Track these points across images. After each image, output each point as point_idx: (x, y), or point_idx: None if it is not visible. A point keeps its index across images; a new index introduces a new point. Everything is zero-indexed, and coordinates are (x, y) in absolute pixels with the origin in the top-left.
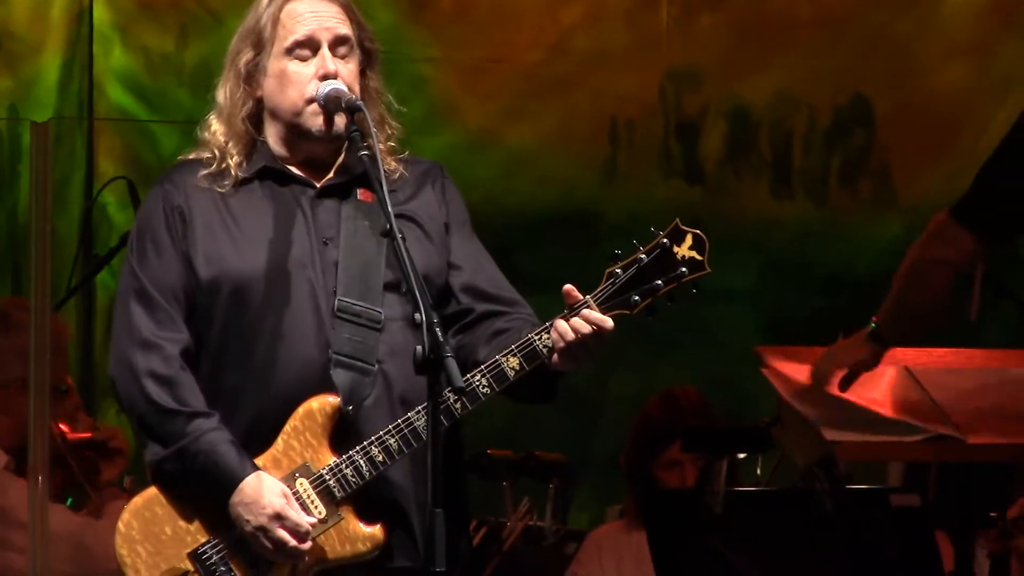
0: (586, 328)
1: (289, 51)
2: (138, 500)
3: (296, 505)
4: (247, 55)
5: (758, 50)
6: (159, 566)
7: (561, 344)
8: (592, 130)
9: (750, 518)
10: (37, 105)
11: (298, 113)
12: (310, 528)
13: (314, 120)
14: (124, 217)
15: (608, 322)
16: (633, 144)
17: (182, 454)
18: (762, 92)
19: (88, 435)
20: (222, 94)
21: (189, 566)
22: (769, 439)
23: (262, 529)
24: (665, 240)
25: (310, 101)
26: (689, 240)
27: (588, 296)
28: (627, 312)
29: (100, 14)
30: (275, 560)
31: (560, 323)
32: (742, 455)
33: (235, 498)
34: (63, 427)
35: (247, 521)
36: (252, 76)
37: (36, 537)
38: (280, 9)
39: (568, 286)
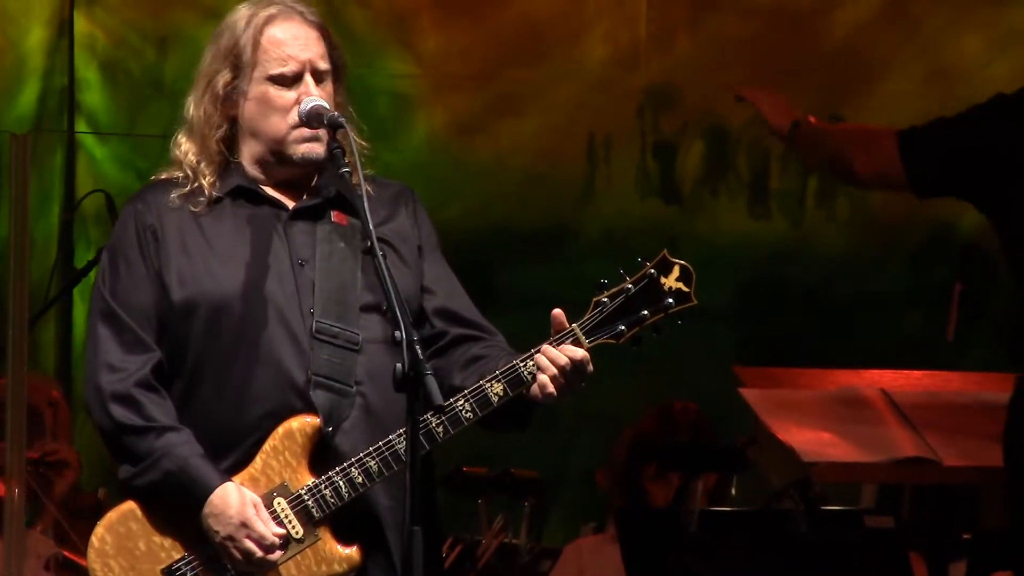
0: (562, 360)
1: (272, 78)
2: (112, 515)
3: (265, 515)
4: (224, 76)
5: (736, 70)
6: None
7: (543, 376)
8: (570, 148)
9: (725, 537)
10: (16, 117)
11: (281, 140)
12: (276, 539)
13: (297, 147)
14: (102, 230)
15: (581, 355)
16: (610, 162)
17: (151, 469)
18: (740, 112)
19: (34, 455)
20: (195, 113)
21: None
22: (745, 459)
23: (230, 539)
24: (652, 271)
25: (293, 127)
26: (676, 271)
27: (575, 324)
28: (613, 342)
29: (80, 26)
30: (245, 571)
31: (544, 354)
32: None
33: (205, 510)
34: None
35: (216, 532)
36: (229, 97)
37: (12, 550)
38: (260, 32)
39: (557, 311)
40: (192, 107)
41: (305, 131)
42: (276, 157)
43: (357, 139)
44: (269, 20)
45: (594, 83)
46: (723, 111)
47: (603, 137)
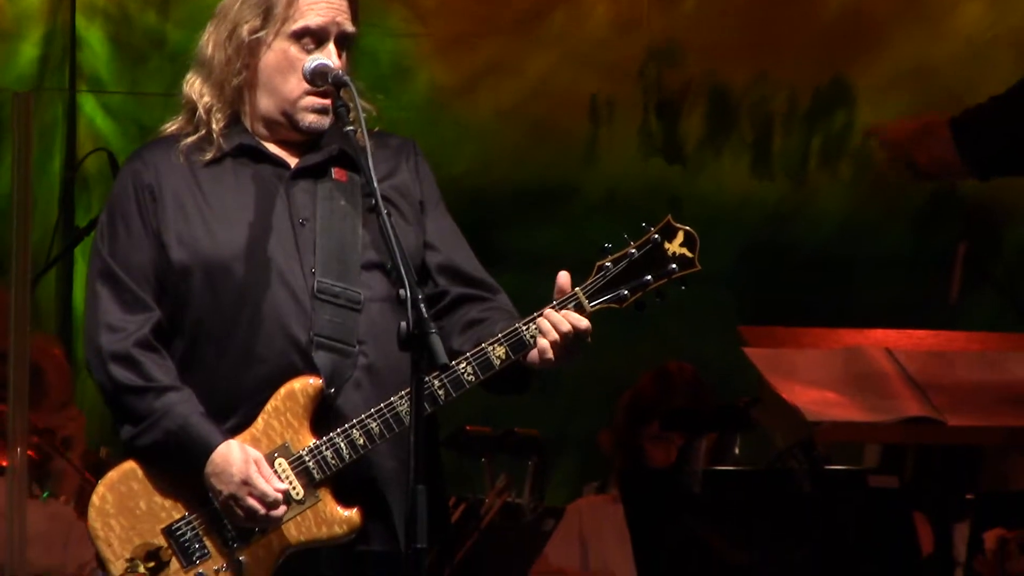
0: (565, 326)
1: (297, 35)
2: (113, 474)
3: (267, 471)
4: (252, 23)
5: (739, 30)
6: (132, 541)
7: (543, 341)
8: (572, 108)
9: (728, 497)
10: (18, 76)
11: (293, 102)
12: (279, 496)
13: (306, 116)
14: (104, 189)
15: (585, 324)
16: (613, 122)
17: (152, 429)
18: (743, 72)
19: (38, 425)
20: (215, 55)
21: (163, 542)
22: (748, 419)
23: (232, 497)
24: (656, 236)
25: (308, 93)
26: (680, 237)
27: (578, 288)
28: (616, 306)
29: None
30: (249, 527)
31: (547, 318)
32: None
33: (207, 468)
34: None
35: (219, 492)
36: (253, 47)
37: (14, 510)
38: None
39: (563, 274)
40: (211, 48)
41: (316, 101)
42: (285, 119)
43: (363, 101)
44: None
45: (597, 43)
46: (726, 71)
47: (606, 97)
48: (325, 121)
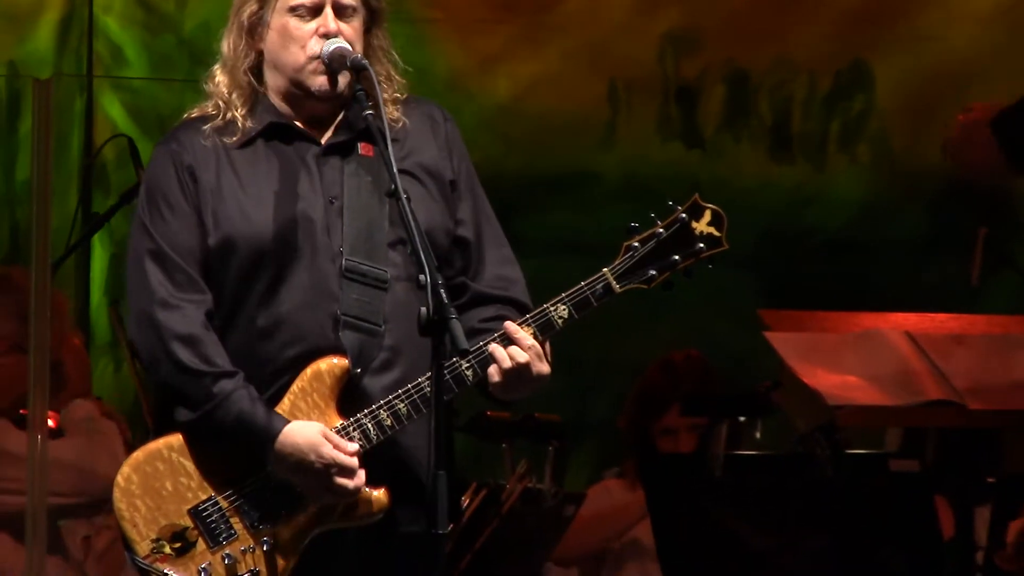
0: (521, 357)
1: (292, 8)
2: (139, 454)
3: (335, 439)
4: (251, 7)
5: (758, 14)
6: (158, 521)
7: (495, 377)
8: (592, 93)
9: (749, 482)
10: (36, 62)
11: (299, 70)
12: (355, 461)
13: (314, 79)
14: (123, 176)
15: (521, 356)
16: (632, 107)
17: (210, 417)
18: (762, 56)
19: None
20: (226, 45)
21: (189, 523)
22: (769, 403)
23: (320, 485)
24: (684, 215)
25: (312, 59)
26: (708, 216)
27: (606, 269)
28: (644, 287)
29: None
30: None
31: (496, 348)
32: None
33: (276, 458)
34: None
35: (301, 478)
36: (255, 29)
37: (34, 494)
38: None
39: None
40: (224, 40)
41: (320, 64)
42: (297, 88)
43: (397, 78)
44: None
45: (616, 28)
46: (744, 55)
47: (625, 82)
48: (340, 79)
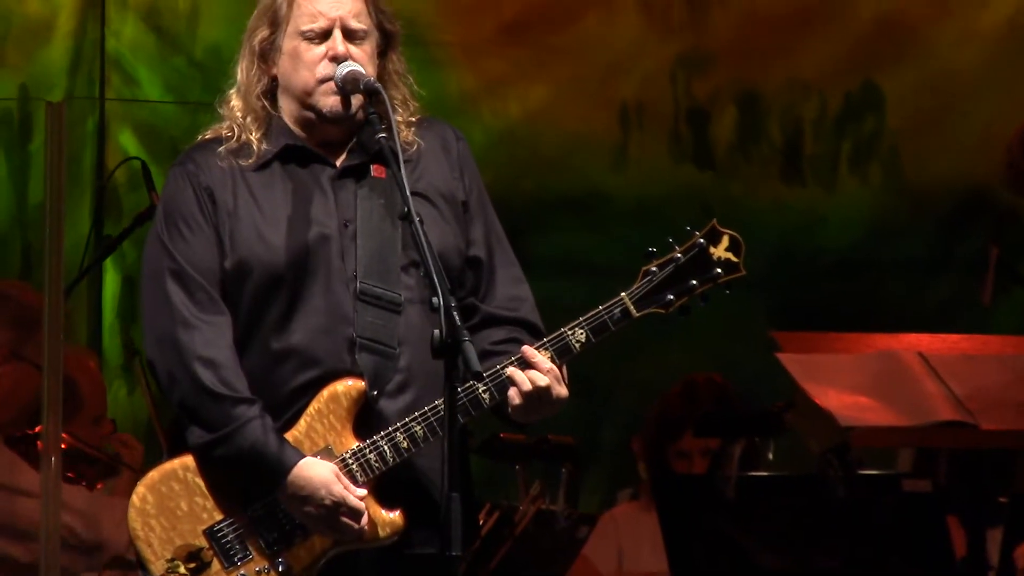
0: (541, 381)
1: (302, 32)
2: (154, 474)
3: (346, 481)
4: (262, 32)
5: (769, 35)
6: (173, 541)
7: (515, 400)
8: (603, 114)
9: (762, 502)
10: (48, 85)
11: (309, 93)
12: (362, 506)
13: (325, 99)
14: (135, 199)
15: (541, 380)
16: (643, 128)
17: (225, 442)
18: (773, 77)
19: (102, 456)
20: (239, 71)
21: (204, 543)
22: (782, 424)
23: (325, 519)
24: (702, 240)
25: (321, 81)
26: (725, 241)
27: (624, 293)
28: (661, 311)
29: None
30: (338, 539)
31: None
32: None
33: (289, 490)
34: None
35: (307, 513)
36: (267, 54)
37: (47, 519)
38: None
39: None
40: (238, 65)
41: (331, 85)
42: (309, 111)
43: (413, 102)
44: None
45: (627, 49)
46: (756, 77)
47: (636, 103)
48: (342, 104)
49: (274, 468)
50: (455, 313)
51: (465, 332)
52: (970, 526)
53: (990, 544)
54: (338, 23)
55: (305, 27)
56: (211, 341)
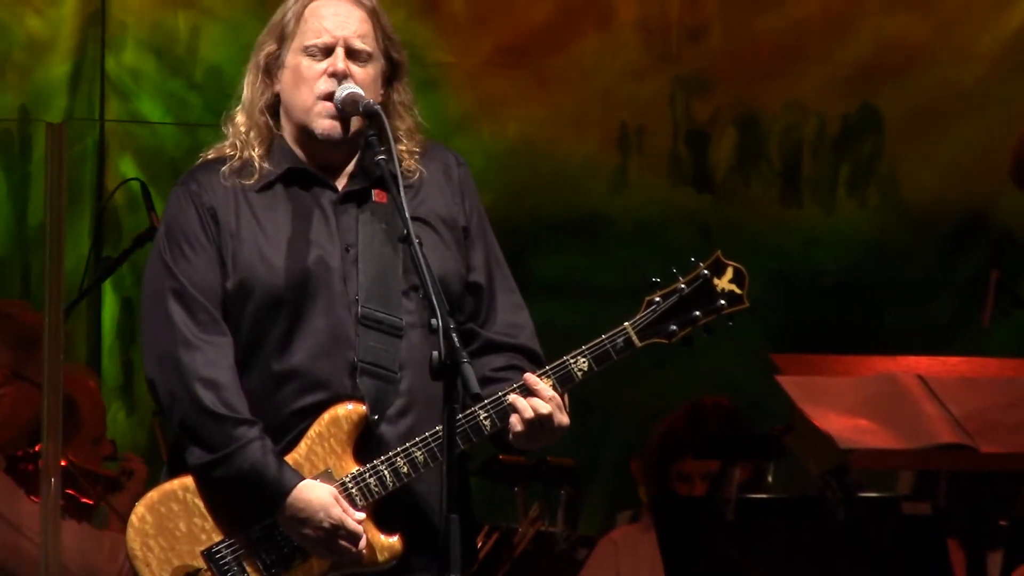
0: (543, 409)
1: (305, 48)
2: (153, 494)
3: (345, 504)
4: (269, 47)
5: (767, 58)
6: (171, 562)
7: (517, 427)
8: (602, 136)
9: (762, 525)
10: (48, 106)
11: (307, 111)
12: (361, 529)
13: (320, 121)
14: (134, 220)
15: (543, 408)
16: (643, 150)
17: (225, 463)
18: (772, 100)
19: (107, 472)
20: (245, 86)
21: (202, 564)
22: (782, 446)
23: (324, 541)
24: (706, 272)
25: (319, 98)
26: (729, 273)
27: (627, 323)
28: (664, 341)
29: (112, 15)
30: (336, 562)
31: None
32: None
33: (287, 512)
34: (72, 457)
35: (305, 535)
36: (271, 69)
37: (48, 540)
38: (305, 6)
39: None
40: (244, 83)
41: (328, 106)
42: (305, 131)
43: (417, 133)
44: None
45: (626, 71)
46: (755, 99)
47: (635, 125)
48: (339, 128)
49: (273, 489)
50: (454, 335)
51: (464, 354)
52: (970, 549)
53: (990, 567)
54: (342, 42)
55: (309, 42)
56: (213, 362)
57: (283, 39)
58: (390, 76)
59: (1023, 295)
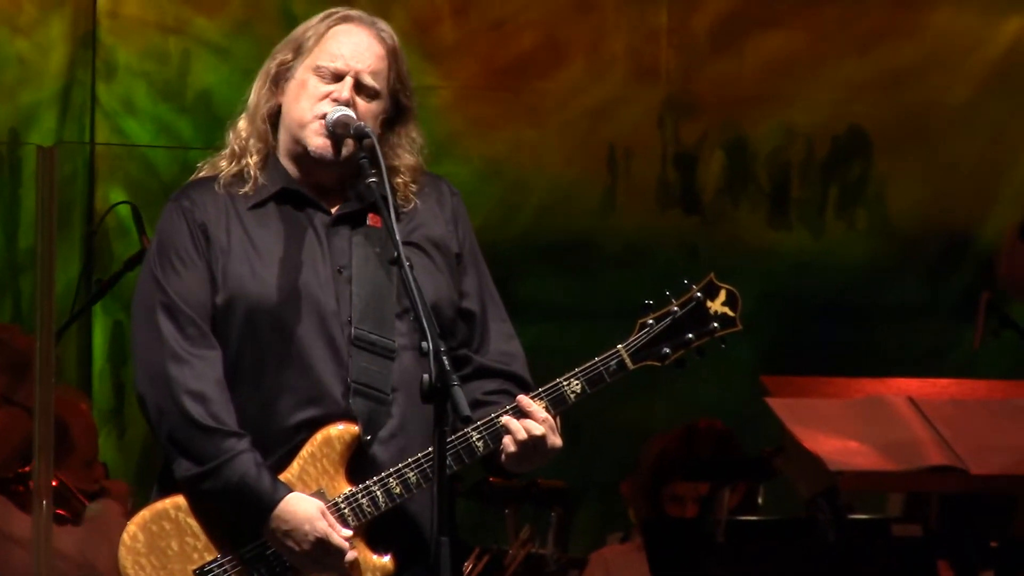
0: (537, 430)
1: (317, 68)
2: (145, 513)
3: (332, 520)
4: (283, 57)
5: (756, 81)
6: None
7: (510, 448)
8: (591, 159)
9: (752, 547)
10: (38, 130)
11: (303, 126)
12: (348, 544)
13: (314, 138)
14: (125, 243)
15: (537, 429)
16: (631, 173)
17: (214, 475)
18: (760, 123)
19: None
20: (252, 92)
21: None
22: (772, 468)
23: (309, 555)
24: (699, 294)
25: (316, 118)
26: (723, 296)
27: (620, 345)
28: (657, 364)
29: (103, 39)
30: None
31: (511, 421)
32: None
33: (273, 524)
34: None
35: (290, 548)
36: (280, 78)
37: (40, 562)
38: (329, 28)
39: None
40: (252, 91)
41: (324, 126)
42: (298, 146)
43: (418, 172)
44: (343, 19)
45: (615, 95)
46: (743, 122)
47: (624, 148)
48: (331, 148)
49: (262, 501)
50: (445, 357)
51: (455, 376)
52: (960, 571)
53: None
54: (353, 72)
55: (322, 63)
56: (201, 375)
57: (299, 52)
58: (393, 117)
59: (1012, 316)
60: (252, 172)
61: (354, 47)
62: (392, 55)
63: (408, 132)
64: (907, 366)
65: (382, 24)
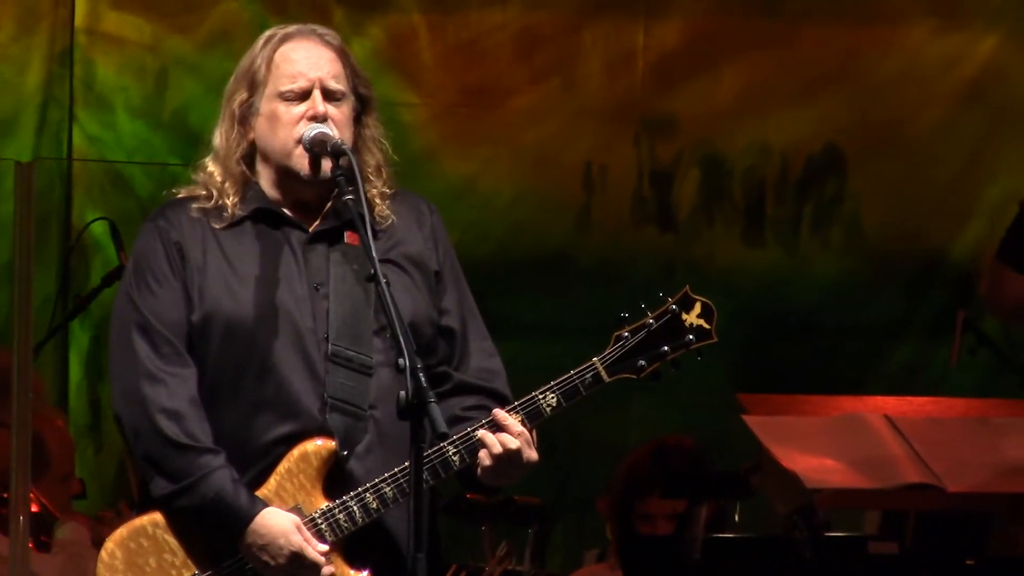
0: (512, 444)
1: (281, 94)
2: (123, 530)
3: (307, 535)
4: (241, 96)
5: (731, 99)
6: None
7: (486, 462)
8: (566, 176)
9: (728, 564)
10: (15, 146)
11: (287, 155)
12: (324, 559)
13: (302, 163)
14: (102, 259)
15: (512, 443)
16: (607, 190)
17: (190, 491)
18: (735, 140)
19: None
20: (218, 136)
21: None
22: (748, 486)
23: (283, 569)
24: (674, 307)
25: (299, 142)
26: (698, 308)
27: (596, 359)
28: (633, 376)
29: (79, 55)
30: None
31: (486, 435)
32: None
33: (248, 539)
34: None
35: (266, 563)
36: (246, 117)
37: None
38: (274, 51)
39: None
40: (216, 132)
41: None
42: (285, 174)
43: (386, 168)
44: (285, 39)
45: (591, 112)
46: (718, 140)
47: (599, 165)
48: (325, 166)
49: (238, 516)
50: (421, 374)
51: (431, 393)
52: None
53: None
54: (318, 83)
55: (284, 88)
56: (175, 393)
57: (254, 86)
58: (359, 112)
59: (988, 333)
60: (230, 210)
61: (307, 59)
62: (342, 54)
63: (375, 123)
64: (882, 383)
65: (321, 29)
